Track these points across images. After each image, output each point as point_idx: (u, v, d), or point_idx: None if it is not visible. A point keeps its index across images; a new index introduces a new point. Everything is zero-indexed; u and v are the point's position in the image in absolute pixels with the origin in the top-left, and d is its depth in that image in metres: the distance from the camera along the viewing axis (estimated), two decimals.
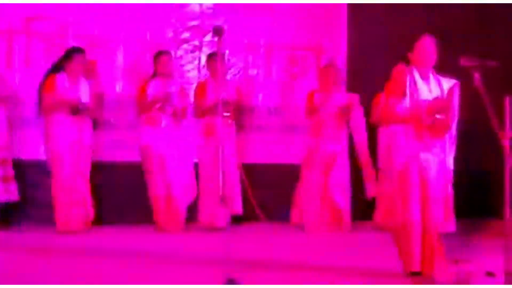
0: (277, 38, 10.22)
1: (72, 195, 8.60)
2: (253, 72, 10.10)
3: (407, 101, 6.19)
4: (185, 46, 9.93)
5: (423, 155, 6.18)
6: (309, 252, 7.66)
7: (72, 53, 8.77)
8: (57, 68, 8.77)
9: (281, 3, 10.09)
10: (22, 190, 8.69)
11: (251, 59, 10.07)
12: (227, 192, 8.87)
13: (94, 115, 8.91)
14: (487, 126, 5.83)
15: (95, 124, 9.06)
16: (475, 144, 9.19)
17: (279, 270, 6.60)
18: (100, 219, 8.94)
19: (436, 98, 6.12)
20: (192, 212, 9.25)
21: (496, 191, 6.12)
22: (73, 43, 9.27)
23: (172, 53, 9.68)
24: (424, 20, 9.98)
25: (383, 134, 9.09)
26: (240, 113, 9.59)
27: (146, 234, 8.77)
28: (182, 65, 9.89)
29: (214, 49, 9.09)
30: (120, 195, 9.31)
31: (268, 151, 9.98)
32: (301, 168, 9.35)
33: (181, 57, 9.89)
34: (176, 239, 8.50)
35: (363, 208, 9.59)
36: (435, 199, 6.17)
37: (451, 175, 6.35)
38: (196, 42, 9.93)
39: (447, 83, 6.27)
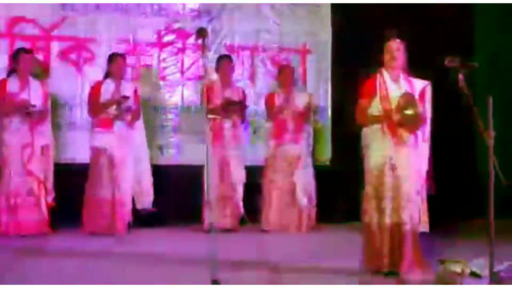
0: (262, 38, 10.22)
1: (21, 198, 8.50)
2: (238, 73, 10.05)
3: (377, 101, 6.27)
4: (168, 49, 9.92)
5: (396, 154, 6.20)
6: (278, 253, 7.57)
7: (18, 53, 8.68)
8: (9, 71, 8.71)
9: (265, 3, 10.15)
10: None
11: (235, 60, 9.90)
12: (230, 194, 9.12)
13: (45, 116, 8.72)
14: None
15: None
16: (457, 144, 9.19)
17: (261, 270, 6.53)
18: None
19: (402, 94, 6.13)
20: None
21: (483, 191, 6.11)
22: (58, 47, 9.34)
23: (156, 55, 9.75)
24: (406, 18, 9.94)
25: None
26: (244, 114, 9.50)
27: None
28: (165, 68, 9.89)
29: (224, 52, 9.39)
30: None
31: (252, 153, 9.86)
32: (264, 169, 9.33)
33: (164, 59, 9.90)
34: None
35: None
36: (409, 198, 6.17)
37: (424, 175, 6.35)
38: (179, 45, 9.94)
39: (419, 84, 6.33)
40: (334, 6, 10.30)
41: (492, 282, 5.60)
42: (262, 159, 9.49)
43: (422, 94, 6.31)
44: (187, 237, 8.71)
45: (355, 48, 9.83)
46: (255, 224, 9.25)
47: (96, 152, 8.73)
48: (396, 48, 6.29)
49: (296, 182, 9.22)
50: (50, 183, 8.74)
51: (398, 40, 6.34)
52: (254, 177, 9.40)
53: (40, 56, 9.32)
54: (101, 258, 7.24)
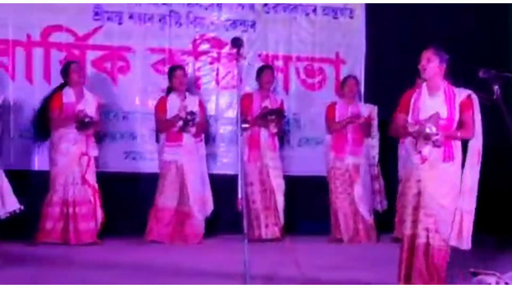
0: (295, 49, 10.19)
1: (79, 207, 8.62)
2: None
3: (409, 117, 6.23)
4: (204, 58, 9.94)
5: (420, 166, 6.12)
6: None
7: (68, 66, 8.81)
8: (62, 84, 8.83)
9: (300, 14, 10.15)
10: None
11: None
12: (272, 203, 9.18)
13: (98, 127, 8.93)
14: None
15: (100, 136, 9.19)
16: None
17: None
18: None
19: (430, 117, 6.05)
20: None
21: None
22: (92, 56, 9.40)
23: (191, 64, 9.79)
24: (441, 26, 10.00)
25: (401, 147, 9.07)
26: (282, 123, 9.57)
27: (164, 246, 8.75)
28: (200, 77, 9.90)
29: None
30: (127, 205, 9.30)
31: (287, 162, 9.89)
32: (328, 180, 9.35)
33: (199, 68, 9.91)
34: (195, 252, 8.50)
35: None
36: (430, 211, 6.09)
37: (471, 190, 6.12)
38: (214, 54, 9.96)
39: (463, 93, 6.17)
40: (368, 16, 10.27)
41: None
42: (307, 169, 9.72)
43: (464, 103, 6.13)
44: (225, 248, 8.64)
45: (391, 59, 9.93)
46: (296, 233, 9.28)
47: (167, 165, 8.92)
48: (426, 58, 6.18)
49: (355, 194, 9.26)
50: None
51: (431, 50, 6.21)
52: (297, 187, 9.63)
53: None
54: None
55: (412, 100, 6.24)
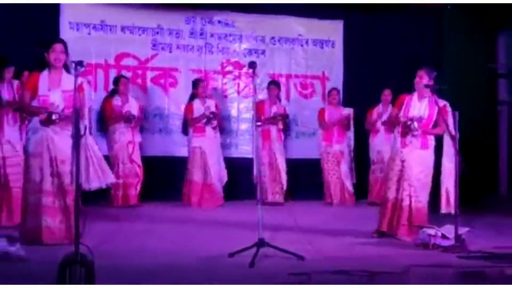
0: (293, 70, 10.26)
1: (130, 179, 8.74)
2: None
3: (401, 114, 6.37)
4: (229, 76, 9.99)
5: (403, 152, 6.27)
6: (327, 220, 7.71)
7: (118, 79, 8.89)
8: (112, 92, 8.94)
9: (297, 45, 10.20)
10: None
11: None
12: (277, 177, 9.19)
13: (140, 123, 8.97)
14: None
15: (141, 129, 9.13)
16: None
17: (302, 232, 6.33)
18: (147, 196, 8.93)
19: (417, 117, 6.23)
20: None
21: None
22: (151, 75, 9.47)
23: (220, 80, 9.82)
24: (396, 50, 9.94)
25: (373, 137, 9.37)
26: (287, 122, 9.62)
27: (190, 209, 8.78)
28: (226, 89, 9.93)
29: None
30: (161, 180, 9.26)
31: (289, 149, 9.87)
32: (321, 163, 9.45)
33: (225, 83, 9.92)
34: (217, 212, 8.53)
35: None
36: (411, 182, 6.20)
37: (450, 173, 6.12)
38: (236, 73, 9.99)
39: (440, 103, 6.24)
40: (345, 45, 10.28)
41: (456, 242, 5.65)
42: (302, 154, 9.77)
43: (441, 109, 6.19)
44: (243, 209, 8.62)
45: (361, 77, 9.98)
46: (294, 199, 9.25)
47: (194, 149, 8.93)
48: (419, 76, 6.26)
49: (341, 170, 9.40)
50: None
51: (423, 70, 6.29)
52: (295, 166, 9.60)
53: (139, 81, 9.49)
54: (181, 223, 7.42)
55: (405, 101, 6.34)
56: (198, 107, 8.97)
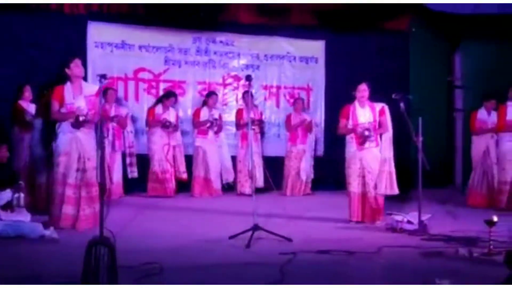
0: (283, 82, 10.16)
1: (165, 174, 8.66)
2: (268, 102, 10.10)
3: (350, 122, 6.38)
4: (229, 87, 9.92)
5: (360, 153, 6.30)
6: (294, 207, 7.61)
7: (168, 94, 8.93)
8: (157, 101, 8.92)
9: (286, 61, 10.11)
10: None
11: (267, 94, 10.04)
12: (254, 173, 8.79)
13: (177, 128, 8.91)
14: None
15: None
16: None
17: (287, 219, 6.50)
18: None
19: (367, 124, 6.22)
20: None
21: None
22: (163, 86, 9.40)
23: (221, 91, 9.72)
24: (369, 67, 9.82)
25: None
26: (262, 127, 9.53)
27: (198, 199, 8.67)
28: (226, 98, 9.86)
29: (246, 89, 8.86)
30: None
31: (276, 148, 9.80)
32: (285, 159, 9.32)
33: (226, 93, 9.86)
34: (218, 202, 8.39)
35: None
36: (371, 176, 6.23)
37: (389, 160, 6.24)
38: (235, 85, 9.88)
39: (379, 106, 6.32)
40: (327, 61, 10.22)
41: (419, 226, 5.65)
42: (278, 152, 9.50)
43: (381, 111, 6.30)
44: (236, 198, 8.65)
45: (340, 88, 9.71)
46: (275, 189, 9.17)
47: (197, 149, 8.88)
48: (362, 89, 6.34)
49: (301, 166, 9.25)
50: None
51: (364, 84, 6.37)
52: (274, 163, 9.47)
53: (153, 91, 9.39)
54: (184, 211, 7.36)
55: (351, 110, 6.34)
56: (205, 114, 8.94)
